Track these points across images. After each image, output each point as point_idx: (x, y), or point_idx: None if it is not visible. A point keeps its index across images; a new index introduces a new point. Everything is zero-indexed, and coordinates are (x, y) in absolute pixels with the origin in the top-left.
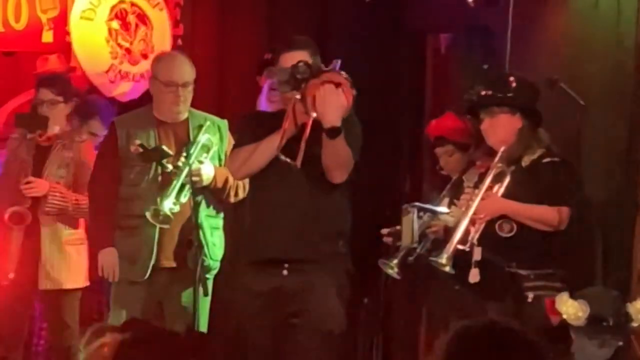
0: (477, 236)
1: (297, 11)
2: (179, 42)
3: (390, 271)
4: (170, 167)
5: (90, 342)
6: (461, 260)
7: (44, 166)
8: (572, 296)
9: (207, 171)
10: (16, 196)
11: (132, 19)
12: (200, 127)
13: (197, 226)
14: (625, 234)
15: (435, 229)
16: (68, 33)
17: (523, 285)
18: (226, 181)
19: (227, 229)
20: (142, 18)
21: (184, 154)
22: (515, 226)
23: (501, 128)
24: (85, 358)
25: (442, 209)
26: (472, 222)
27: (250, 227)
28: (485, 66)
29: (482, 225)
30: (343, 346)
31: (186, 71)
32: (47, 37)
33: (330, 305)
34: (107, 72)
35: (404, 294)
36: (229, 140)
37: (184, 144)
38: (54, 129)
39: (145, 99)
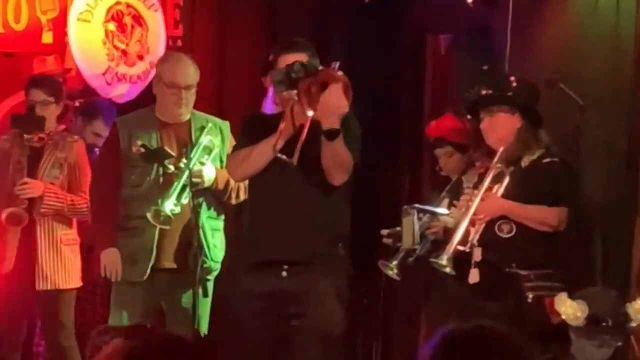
0: (477, 237)
1: (297, 12)
2: (179, 42)
3: (390, 272)
4: (171, 168)
5: (96, 344)
6: (461, 260)
7: (38, 167)
8: (571, 296)
9: (209, 173)
10: (11, 197)
11: (128, 20)
12: (202, 128)
13: (198, 227)
14: (624, 234)
15: (435, 229)
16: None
17: (523, 285)
18: (227, 183)
19: (228, 230)
20: (138, 19)
21: (186, 155)
22: (514, 227)
23: (500, 127)
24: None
25: (442, 210)
26: (472, 222)
27: (249, 228)
28: (485, 67)
29: (482, 226)
30: (343, 347)
31: (190, 74)
32: (47, 38)
33: (329, 306)
34: (104, 74)
35: (403, 295)
36: (230, 142)
37: (186, 145)
38: (47, 129)
39: (142, 100)
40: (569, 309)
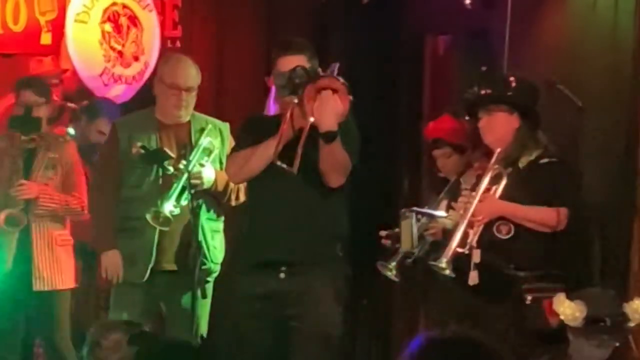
0: (475, 238)
1: (296, 13)
2: (177, 44)
3: (388, 273)
4: (171, 169)
5: (95, 339)
6: (460, 262)
7: (32, 168)
8: (569, 297)
9: (208, 174)
10: (8, 199)
11: (123, 21)
12: (202, 130)
13: (197, 229)
14: (623, 234)
15: (434, 231)
16: None
17: (522, 287)
18: (227, 184)
19: (227, 232)
20: (133, 20)
21: (185, 157)
22: (513, 228)
23: (498, 126)
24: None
25: (440, 213)
26: (471, 224)
27: (247, 230)
28: (484, 68)
29: (481, 228)
30: (342, 348)
31: (191, 75)
32: (46, 39)
33: (327, 308)
34: (100, 75)
35: (402, 296)
36: (230, 144)
37: (185, 146)
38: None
39: (138, 101)
40: (568, 310)
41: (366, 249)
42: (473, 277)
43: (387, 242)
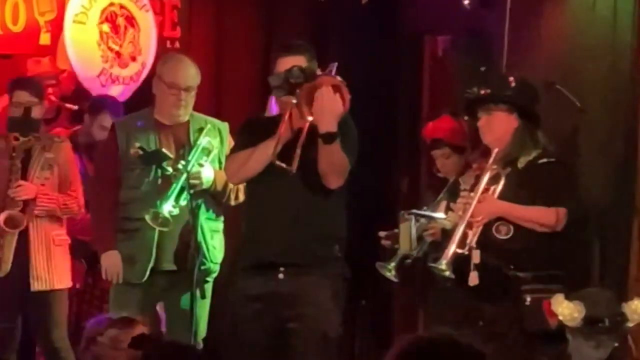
0: (475, 239)
1: (295, 13)
2: (177, 44)
3: (387, 274)
4: (170, 169)
5: (90, 335)
6: (459, 263)
7: (28, 169)
8: (568, 297)
9: (207, 174)
10: (6, 200)
11: (121, 21)
12: (201, 130)
13: (196, 229)
14: (622, 235)
15: (433, 231)
16: None
17: (521, 287)
18: (226, 184)
19: (227, 232)
20: (130, 20)
21: (184, 157)
22: (512, 228)
23: (497, 126)
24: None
25: (439, 214)
26: (470, 225)
27: (246, 230)
28: (483, 68)
29: (480, 228)
30: (341, 349)
31: (191, 75)
32: (45, 39)
33: (325, 309)
34: (98, 76)
35: (402, 297)
36: (229, 144)
37: (184, 146)
38: None
39: (135, 101)
40: (566, 310)
41: (365, 249)
42: (473, 278)
43: (386, 243)
